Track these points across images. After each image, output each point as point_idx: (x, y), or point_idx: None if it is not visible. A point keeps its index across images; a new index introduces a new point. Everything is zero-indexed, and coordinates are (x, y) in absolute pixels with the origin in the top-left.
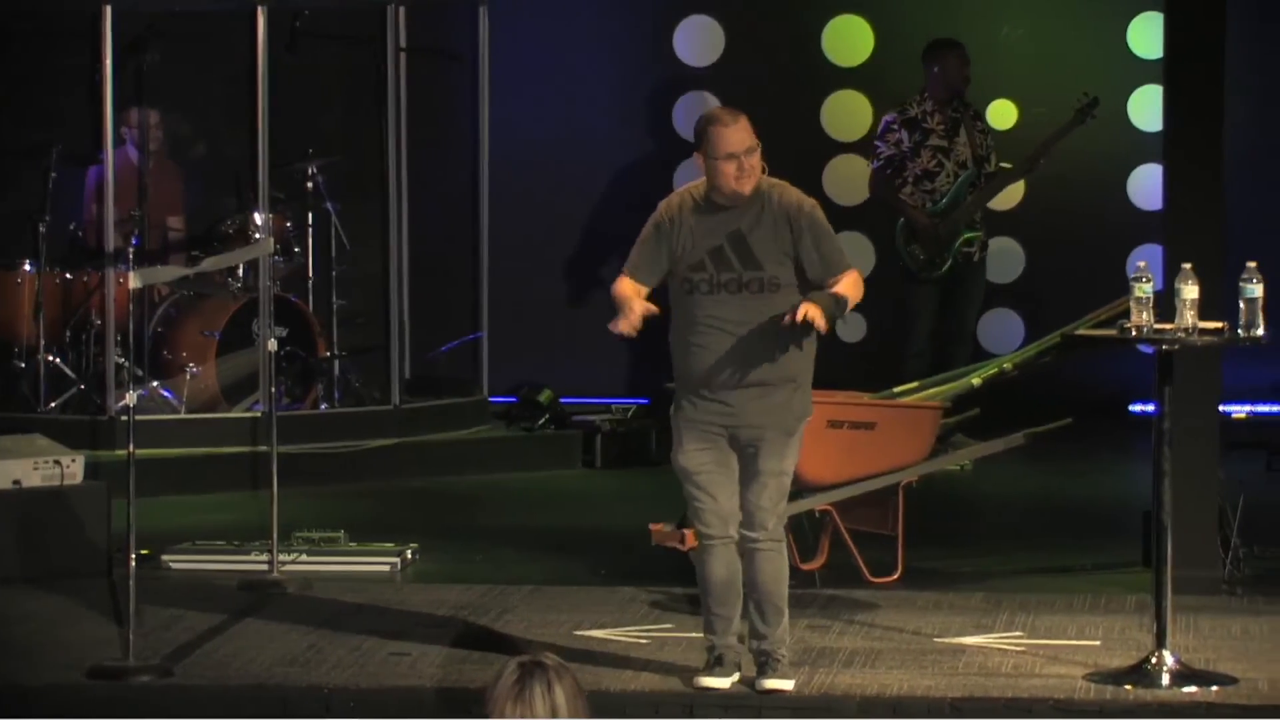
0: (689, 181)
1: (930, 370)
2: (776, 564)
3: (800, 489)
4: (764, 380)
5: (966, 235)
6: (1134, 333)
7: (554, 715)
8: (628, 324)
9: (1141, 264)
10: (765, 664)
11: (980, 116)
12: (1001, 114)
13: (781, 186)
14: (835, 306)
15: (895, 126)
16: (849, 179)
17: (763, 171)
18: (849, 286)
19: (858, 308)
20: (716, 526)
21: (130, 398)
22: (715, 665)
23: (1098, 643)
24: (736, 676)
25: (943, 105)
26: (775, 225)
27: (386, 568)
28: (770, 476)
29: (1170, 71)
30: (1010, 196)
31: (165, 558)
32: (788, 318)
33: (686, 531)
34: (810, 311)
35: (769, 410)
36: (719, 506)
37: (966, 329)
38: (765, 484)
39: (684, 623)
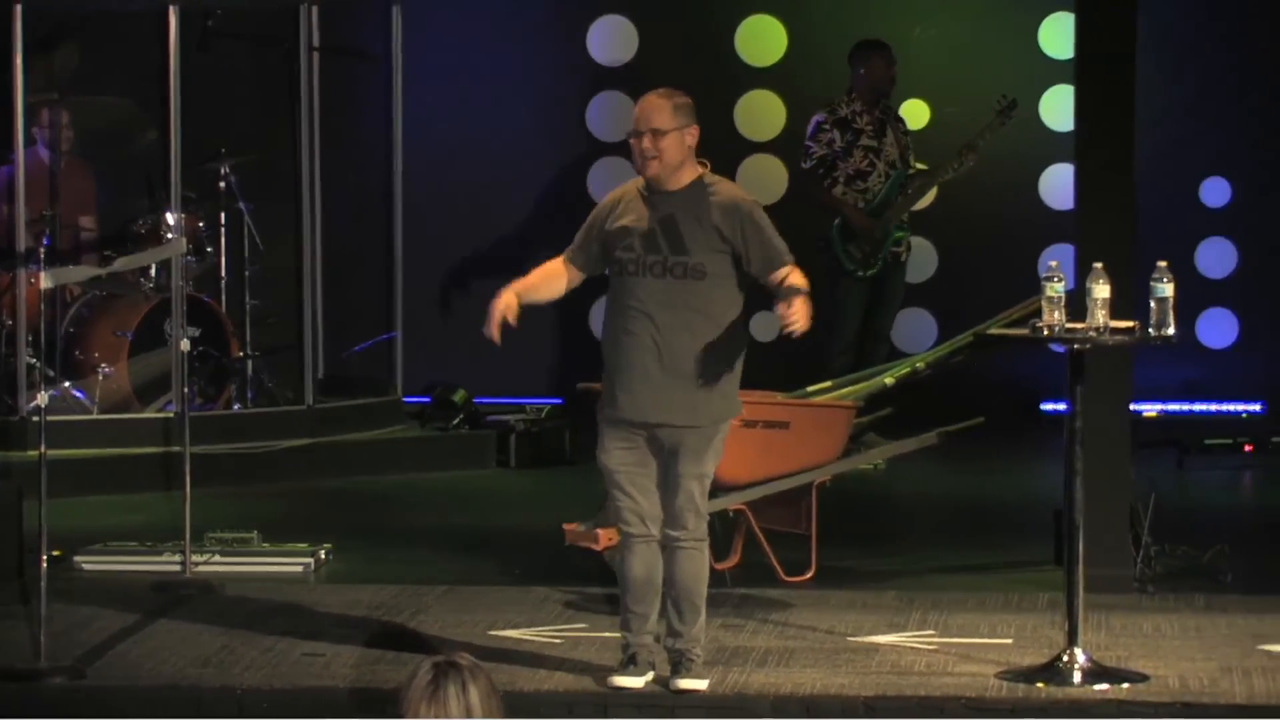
0: (604, 181)
1: (854, 368)
2: (697, 563)
3: (714, 489)
4: (681, 373)
5: (896, 235)
6: (1046, 332)
7: (468, 715)
8: (491, 327)
9: (1053, 263)
10: (679, 663)
11: (900, 118)
12: (914, 114)
13: (724, 182)
14: (800, 290)
15: (827, 126)
16: (762, 179)
17: (705, 167)
18: (801, 283)
19: (772, 307)
20: (636, 525)
21: (42, 398)
22: (629, 664)
23: (1010, 641)
24: (650, 676)
25: (870, 106)
26: (710, 216)
27: (300, 568)
28: (690, 479)
29: (1081, 72)
30: (923, 197)
31: (78, 559)
32: (781, 307)
33: (600, 531)
34: (799, 309)
35: (685, 408)
36: (639, 506)
37: (886, 328)
38: (685, 486)
39: (598, 622)
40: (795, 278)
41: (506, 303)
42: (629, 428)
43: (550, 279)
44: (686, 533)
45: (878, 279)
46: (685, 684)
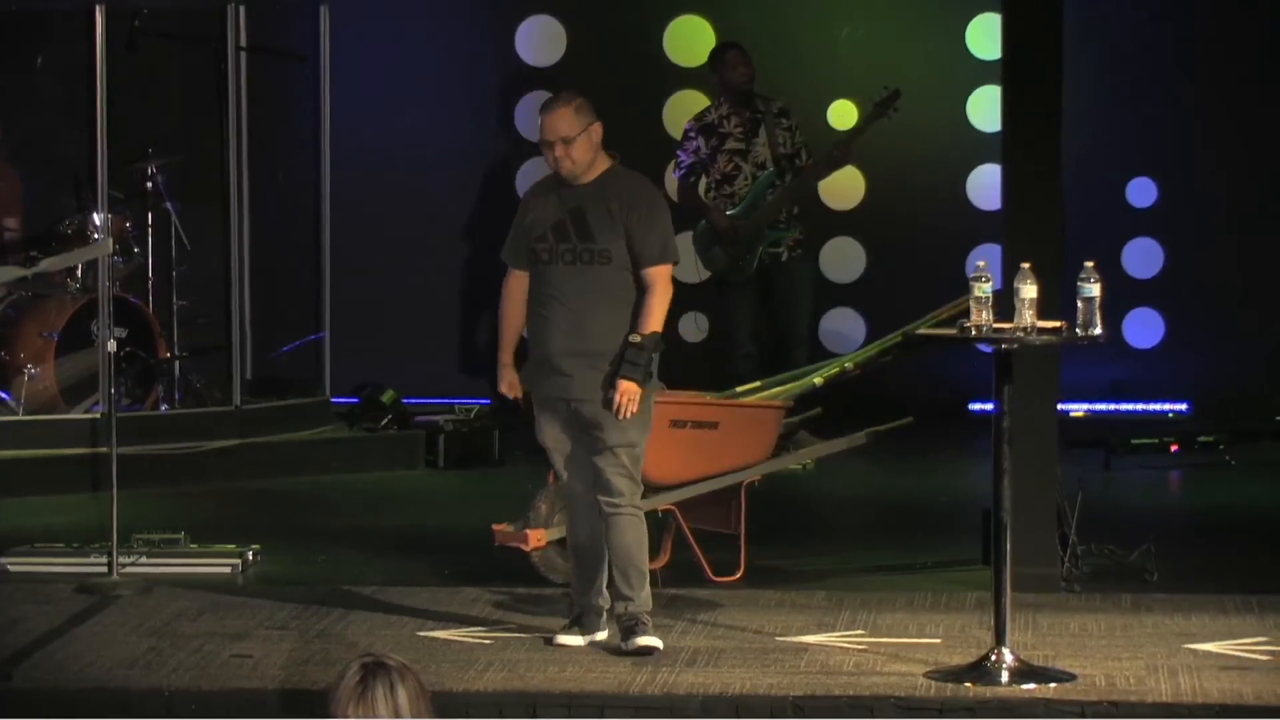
0: (532, 181)
1: (762, 371)
2: (636, 529)
3: (644, 489)
4: (595, 350)
5: (772, 235)
6: (973, 332)
7: (397, 716)
8: (507, 388)
9: (981, 263)
10: (633, 626)
11: (788, 114)
12: (842, 114)
13: (630, 174)
14: (644, 360)
15: (693, 134)
16: None
17: (614, 159)
18: (657, 302)
19: (700, 307)
20: (577, 493)
21: None
22: (574, 625)
23: (938, 640)
24: (598, 637)
25: (740, 108)
26: (612, 204)
27: (228, 569)
28: (616, 447)
29: (1008, 72)
30: (850, 196)
31: (3, 561)
32: (610, 400)
33: (530, 532)
34: (624, 397)
35: (601, 382)
36: (576, 476)
37: (797, 330)
38: (613, 455)
39: (527, 623)
40: (651, 306)
41: (510, 383)
42: (555, 405)
43: (517, 305)
44: (622, 499)
45: (768, 282)
46: (642, 642)
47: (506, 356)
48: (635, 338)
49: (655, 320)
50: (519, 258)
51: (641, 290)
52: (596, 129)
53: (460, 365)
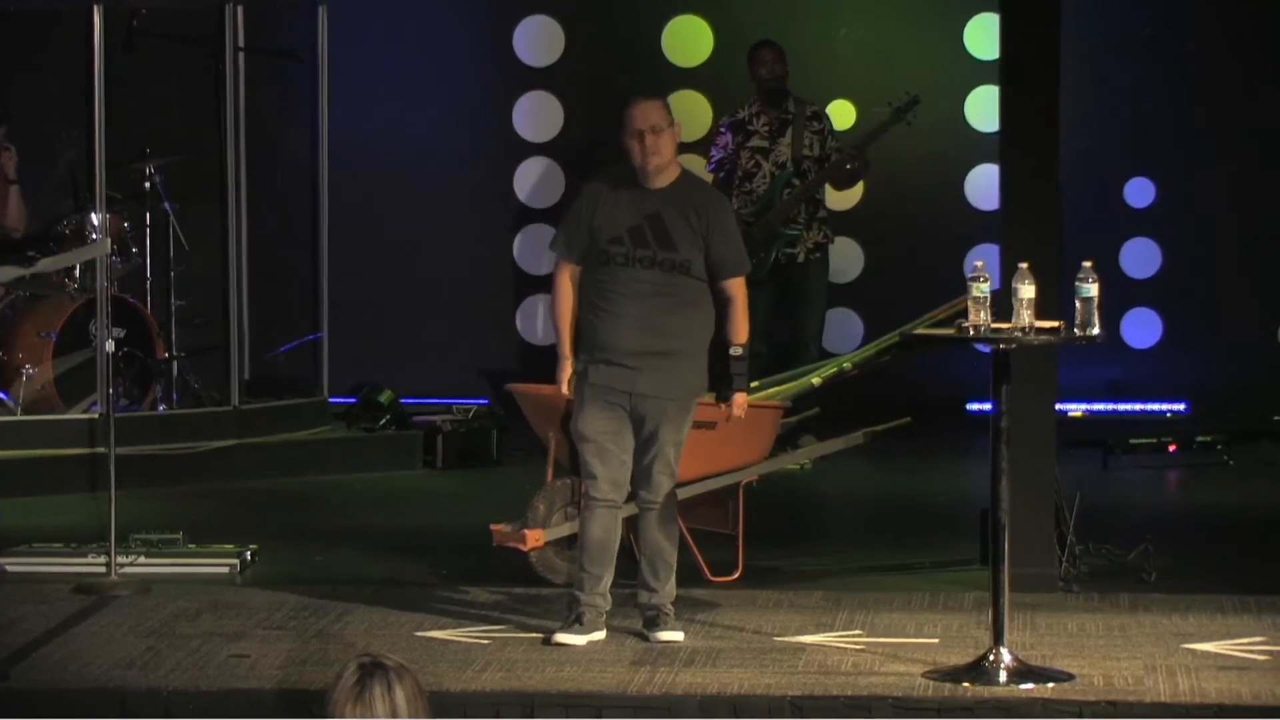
0: (529, 182)
1: (770, 371)
2: (670, 524)
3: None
4: (664, 350)
5: (786, 235)
6: (972, 332)
7: (394, 716)
8: (568, 386)
9: (979, 264)
10: (656, 618)
11: (820, 117)
12: (840, 114)
13: (703, 182)
14: (746, 370)
15: (723, 130)
16: None
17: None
18: (741, 313)
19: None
20: (602, 491)
21: None
22: (575, 623)
23: (936, 640)
24: (597, 636)
25: (769, 107)
26: (689, 213)
27: (226, 569)
28: (668, 445)
29: (1006, 72)
30: (848, 197)
31: (1, 561)
32: (726, 411)
33: (528, 532)
34: (739, 409)
35: (668, 381)
36: (609, 472)
37: (806, 332)
38: (662, 451)
39: (525, 623)
40: (737, 317)
41: (569, 379)
42: (609, 395)
43: (572, 299)
44: (663, 494)
45: (784, 282)
46: (665, 635)
47: (568, 349)
48: (736, 350)
49: (745, 331)
50: (577, 252)
51: (722, 300)
52: (679, 129)
53: (459, 366)
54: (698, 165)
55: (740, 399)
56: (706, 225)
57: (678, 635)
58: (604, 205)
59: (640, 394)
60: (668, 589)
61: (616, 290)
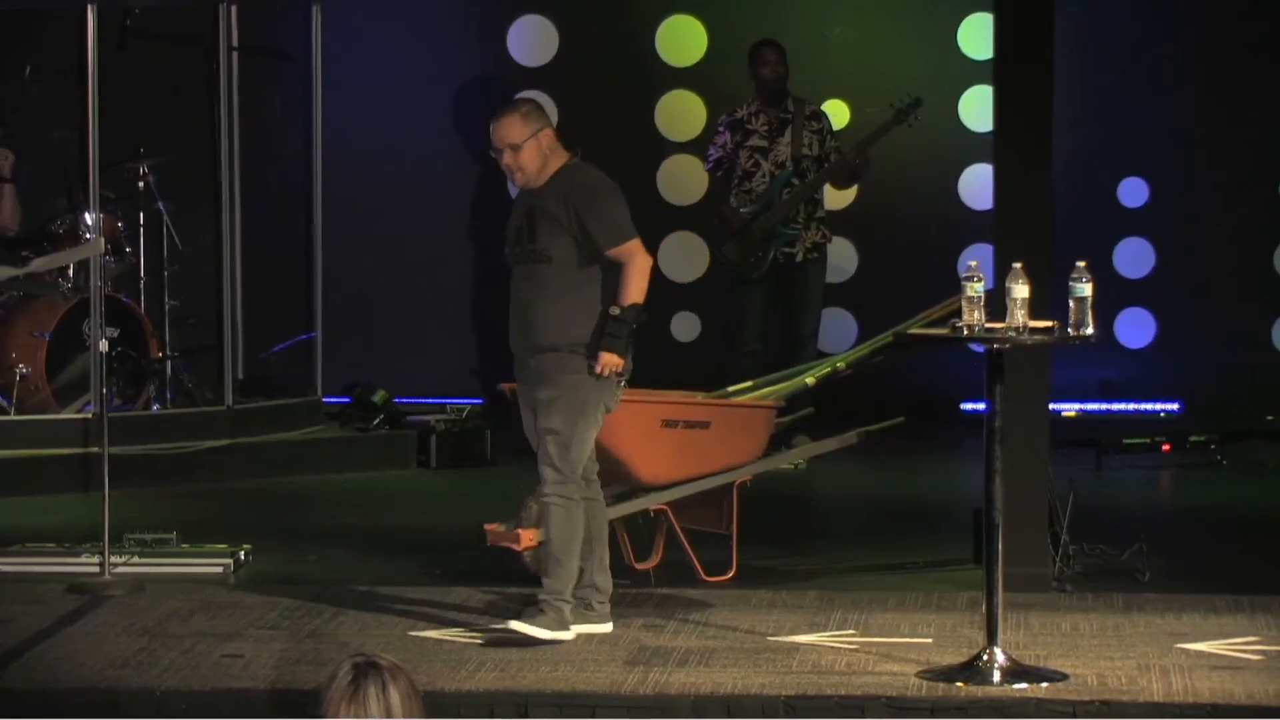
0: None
1: (765, 370)
2: (560, 518)
3: (635, 488)
4: (533, 344)
5: (785, 235)
6: (965, 331)
7: (388, 715)
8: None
9: (973, 263)
10: (526, 608)
11: (819, 117)
12: (834, 114)
13: (579, 168)
14: (624, 332)
15: (722, 129)
16: (682, 179)
17: (574, 156)
18: (629, 275)
19: (692, 307)
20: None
21: None
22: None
23: (930, 640)
24: (589, 629)
25: (769, 106)
26: (558, 202)
27: (219, 569)
28: (545, 434)
29: (1000, 72)
30: (844, 196)
31: None
32: (590, 369)
33: (521, 532)
34: (605, 368)
35: (546, 373)
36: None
37: (802, 331)
38: (542, 443)
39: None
40: (629, 280)
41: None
42: (524, 396)
43: None
44: (545, 485)
45: (781, 281)
46: (515, 624)
47: None
48: (615, 310)
49: (632, 292)
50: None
51: (615, 270)
52: (546, 134)
53: (452, 365)
54: (692, 166)
55: (605, 358)
56: (575, 209)
57: (528, 630)
58: (512, 213)
59: (525, 388)
60: (549, 584)
61: (512, 293)
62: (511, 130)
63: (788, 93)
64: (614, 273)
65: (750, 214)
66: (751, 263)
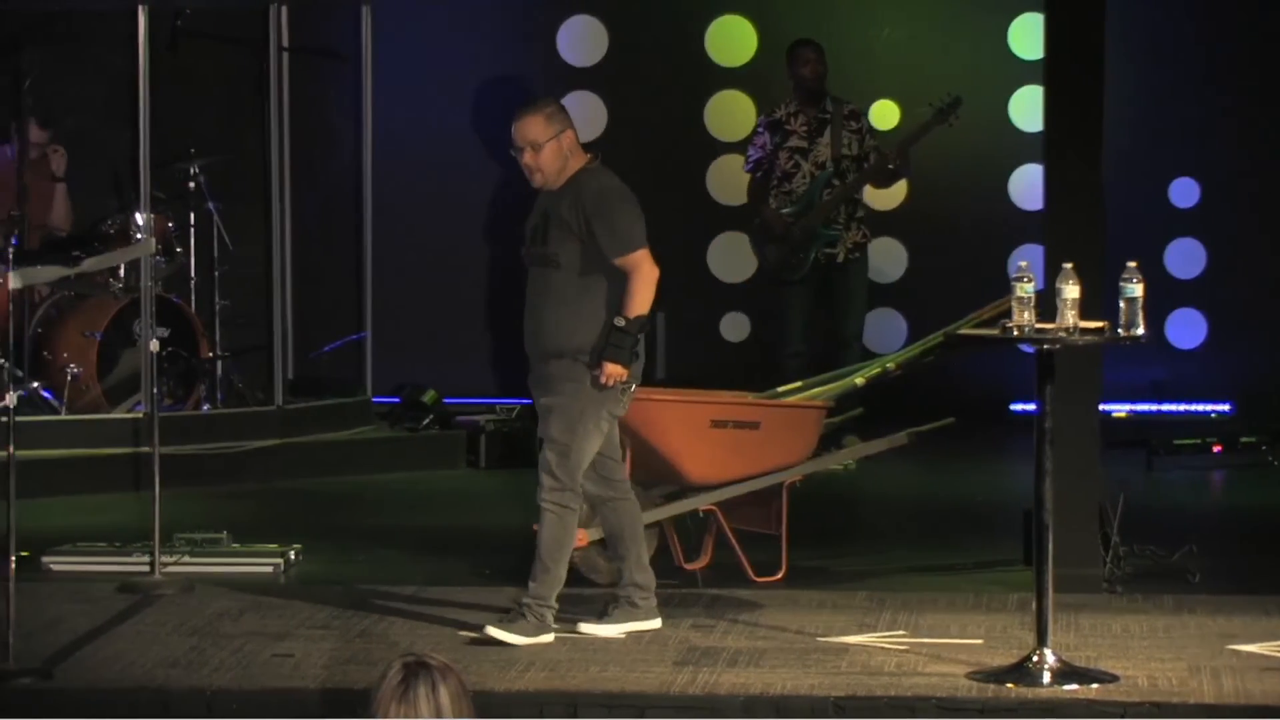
0: None
1: (810, 370)
2: (552, 525)
3: (684, 488)
4: (547, 350)
5: (826, 235)
6: (1015, 332)
7: (438, 715)
8: None
9: (1023, 264)
10: (508, 613)
11: (858, 116)
12: (883, 115)
13: (596, 173)
14: (628, 343)
15: (761, 130)
16: (732, 179)
17: (594, 159)
18: (634, 287)
19: (742, 307)
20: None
21: (10, 398)
22: (603, 615)
23: (980, 641)
24: (629, 626)
25: (807, 106)
26: (570, 206)
27: (269, 569)
28: (547, 444)
29: (1051, 72)
30: (892, 197)
31: (45, 559)
32: (595, 380)
33: None
34: (608, 378)
35: (550, 380)
36: None
37: (847, 332)
38: (544, 449)
39: (568, 623)
40: (631, 293)
41: None
42: (537, 400)
43: None
44: (541, 490)
45: (820, 282)
46: (491, 630)
47: None
48: (620, 321)
49: (637, 304)
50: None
51: (622, 279)
52: (568, 136)
53: (501, 365)
54: (736, 165)
55: (608, 369)
56: (585, 214)
57: (504, 636)
58: (532, 212)
59: (536, 393)
60: (534, 588)
61: (527, 295)
62: (534, 129)
63: (826, 92)
64: (623, 281)
65: (791, 215)
66: (793, 264)
